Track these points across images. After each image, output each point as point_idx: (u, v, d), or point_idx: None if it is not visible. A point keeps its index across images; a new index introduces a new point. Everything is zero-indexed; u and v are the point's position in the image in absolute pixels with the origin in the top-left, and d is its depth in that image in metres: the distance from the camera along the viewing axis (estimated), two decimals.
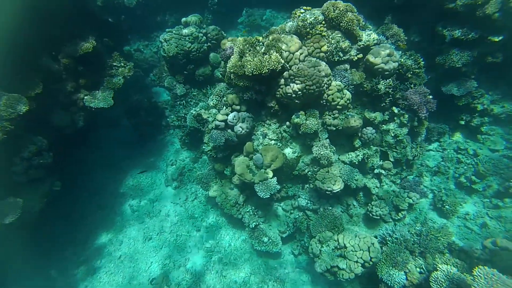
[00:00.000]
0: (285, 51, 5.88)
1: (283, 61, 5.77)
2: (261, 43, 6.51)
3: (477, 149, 7.94)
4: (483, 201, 7.22)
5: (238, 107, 6.54)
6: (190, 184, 9.85)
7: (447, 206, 6.99)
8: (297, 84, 5.81)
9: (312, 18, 6.12)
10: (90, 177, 10.26)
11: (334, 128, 6.16)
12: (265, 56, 5.66)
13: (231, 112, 6.61)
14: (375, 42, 6.20)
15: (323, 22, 6.15)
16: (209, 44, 9.20)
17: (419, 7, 8.57)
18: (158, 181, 10.32)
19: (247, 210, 7.32)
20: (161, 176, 10.42)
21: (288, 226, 7.34)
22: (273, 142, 6.63)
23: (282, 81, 6.04)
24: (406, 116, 6.43)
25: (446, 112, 8.41)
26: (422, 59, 6.76)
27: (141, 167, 10.79)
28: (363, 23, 6.35)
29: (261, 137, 6.66)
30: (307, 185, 6.95)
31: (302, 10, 6.37)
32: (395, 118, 6.58)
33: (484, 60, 7.35)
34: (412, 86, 6.68)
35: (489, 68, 7.59)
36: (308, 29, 6.13)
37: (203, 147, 7.28)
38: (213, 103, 7.19)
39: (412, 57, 6.74)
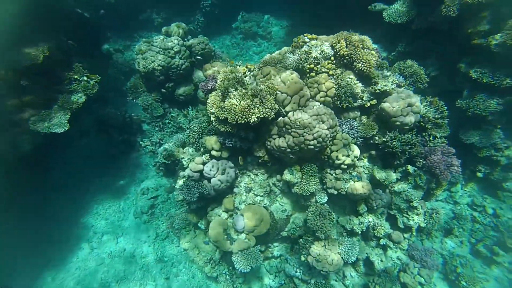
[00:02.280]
0: (281, 92, 4.59)
1: (277, 107, 4.48)
2: (251, 75, 5.21)
3: (497, 209, 6.83)
4: (509, 277, 6.13)
5: (218, 153, 5.23)
6: (162, 218, 8.52)
7: (463, 283, 5.87)
8: (294, 137, 4.53)
9: (318, 52, 4.83)
10: (45, 201, 8.77)
11: (336, 192, 4.92)
12: (254, 100, 4.35)
13: (209, 158, 5.30)
14: (393, 87, 4.96)
15: (332, 58, 4.87)
16: (193, 59, 7.81)
17: (441, 36, 7.38)
18: (126, 210, 8.92)
19: (224, 271, 6.05)
20: (130, 205, 9.03)
21: None
22: (259, 198, 5.36)
23: (275, 130, 4.76)
24: (424, 177, 5.24)
25: (460, 159, 7.29)
26: (446, 107, 5.57)
27: (109, 191, 9.38)
28: (380, 61, 5.09)
29: (244, 192, 5.37)
30: (297, 246, 5.73)
31: (306, 40, 5.06)
32: (409, 178, 5.38)
33: None
34: (431, 138, 5.49)
35: None
36: (312, 65, 4.84)
37: (175, 194, 5.95)
38: (190, 141, 5.85)
39: (434, 105, 5.54)
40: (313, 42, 5.02)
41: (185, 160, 5.61)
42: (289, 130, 4.56)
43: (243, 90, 4.45)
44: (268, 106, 4.33)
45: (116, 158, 9.94)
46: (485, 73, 6.09)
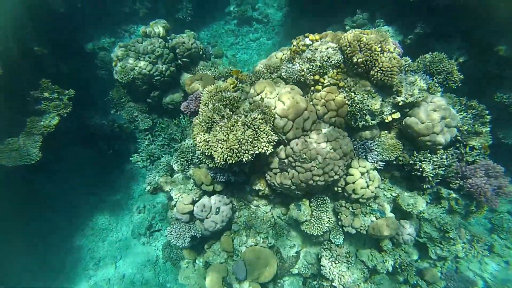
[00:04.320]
0: (281, 117, 3.62)
1: (276, 138, 3.54)
2: (242, 87, 4.23)
3: None
4: None
5: (210, 188, 4.37)
6: (162, 238, 7.89)
7: None
8: (299, 172, 3.62)
9: (324, 59, 3.78)
10: (37, 224, 8.18)
11: (354, 231, 4.05)
12: (246, 132, 3.40)
13: (200, 193, 4.45)
14: (420, 96, 3.91)
15: (342, 66, 3.82)
16: (178, 62, 6.77)
17: (470, 11, 6.09)
18: (124, 229, 8.32)
19: None
20: (128, 222, 8.41)
21: None
22: (262, 236, 4.54)
23: (276, 162, 3.84)
24: (462, 203, 4.30)
25: (496, 158, 6.26)
26: (487, 112, 4.51)
27: (105, 208, 8.76)
28: (402, 61, 4.01)
29: (244, 231, 4.55)
30: (310, 281, 4.97)
31: (308, 42, 3.98)
32: (442, 201, 4.45)
33: None
34: (468, 150, 4.48)
35: None
36: (317, 77, 3.82)
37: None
38: (178, 168, 4.99)
39: (473, 109, 4.49)
40: (316, 44, 3.95)
41: (174, 193, 4.78)
42: (293, 164, 3.64)
43: (232, 119, 3.49)
44: (264, 139, 3.39)
45: (109, 171, 9.26)
46: None
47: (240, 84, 4.52)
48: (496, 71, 5.88)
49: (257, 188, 4.25)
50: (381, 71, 3.53)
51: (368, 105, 3.70)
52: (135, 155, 7.45)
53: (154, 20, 12.06)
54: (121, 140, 9.13)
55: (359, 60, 3.56)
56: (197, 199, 4.36)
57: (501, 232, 5.84)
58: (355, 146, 4.01)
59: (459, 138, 4.28)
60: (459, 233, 4.40)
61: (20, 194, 7.74)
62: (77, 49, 11.01)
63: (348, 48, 3.65)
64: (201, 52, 7.25)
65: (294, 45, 4.04)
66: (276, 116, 3.62)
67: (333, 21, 9.06)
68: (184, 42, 6.68)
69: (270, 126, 3.49)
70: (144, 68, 6.27)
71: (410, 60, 4.67)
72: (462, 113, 4.48)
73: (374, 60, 3.53)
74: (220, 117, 3.57)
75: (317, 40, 4.05)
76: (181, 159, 4.93)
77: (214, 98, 3.80)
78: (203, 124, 3.64)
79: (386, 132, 4.28)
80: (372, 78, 3.67)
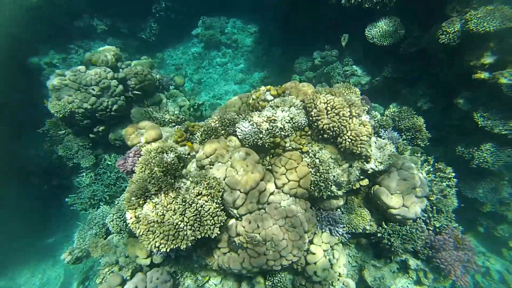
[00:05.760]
0: (231, 189, 3.02)
1: (224, 218, 2.91)
2: (195, 142, 3.60)
3: (505, 273, 5.75)
4: None
5: (147, 261, 3.60)
6: None
7: None
8: (251, 256, 3.00)
9: (287, 120, 3.28)
10: None
11: None
12: (187, 212, 2.74)
13: (135, 267, 3.66)
14: (390, 163, 3.54)
15: (306, 129, 3.34)
16: (129, 94, 6.00)
17: (435, 61, 6.07)
18: (52, 282, 7.08)
19: None
20: (59, 273, 7.19)
21: None
22: None
23: (225, 240, 3.20)
24: (431, 277, 3.93)
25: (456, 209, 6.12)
26: (454, 175, 4.26)
27: (34, 254, 7.48)
28: (373, 122, 3.64)
29: None
30: None
31: (269, 97, 3.47)
32: (410, 271, 4.06)
33: None
34: (435, 213, 4.17)
35: None
36: (278, 140, 3.29)
37: None
38: (114, 228, 4.15)
39: (440, 172, 4.22)
40: (278, 100, 3.44)
41: (102, 263, 3.92)
42: (244, 245, 3.02)
43: (170, 195, 2.82)
44: (209, 221, 2.75)
45: (45, 209, 8.02)
46: (495, 120, 4.85)
47: (191, 136, 3.89)
48: (456, 122, 5.83)
49: (205, 263, 3.56)
50: (350, 139, 3.08)
51: (334, 175, 3.22)
52: (73, 196, 6.41)
53: (114, 37, 11.17)
54: (63, 172, 7.98)
55: (325, 126, 3.10)
56: (128, 277, 3.56)
57: None
58: (318, 218, 3.51)
59: (428, 208, 3.95)
60: None
61: None
62: (17, 65, 9.77)
63: (314, 111, 3.18)
64: (157, 83, 6.56)
65: (253, 99, 3.51)
66: (226, 188, 3.01)
67: (303, 52, 8.86)
68: (137, 72, 5.95)
69: (217, 202, 2.87)
70: (85, 101, 5.42)
71: (379, 116, 4.37)
72: (430, 175, 4.19)
73: (342, 127, 3.08)
74: (156, 188, 2.88)
75: (279, 95, 3.56)
76: (117, 219, 4.11)
77: (153, 161, 3.12)
78: (134, 197, 2.91)
79: (353, 197, 3.84)
80: (340, 146, 3.21)
